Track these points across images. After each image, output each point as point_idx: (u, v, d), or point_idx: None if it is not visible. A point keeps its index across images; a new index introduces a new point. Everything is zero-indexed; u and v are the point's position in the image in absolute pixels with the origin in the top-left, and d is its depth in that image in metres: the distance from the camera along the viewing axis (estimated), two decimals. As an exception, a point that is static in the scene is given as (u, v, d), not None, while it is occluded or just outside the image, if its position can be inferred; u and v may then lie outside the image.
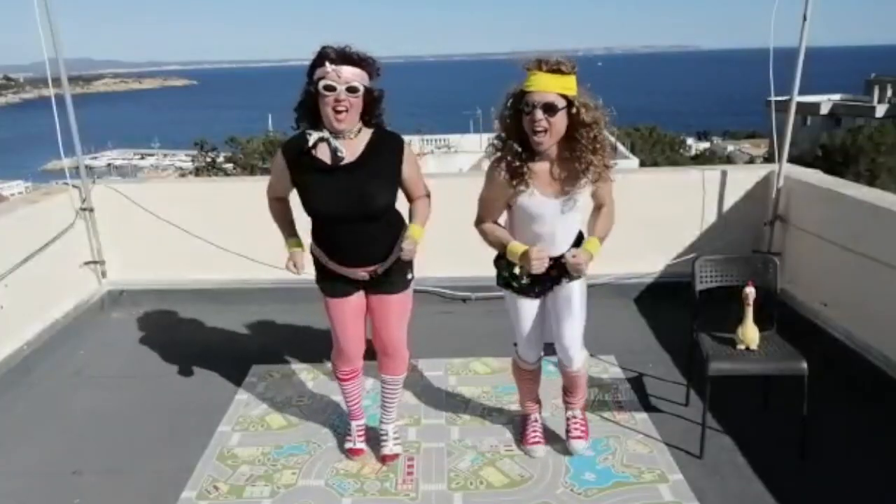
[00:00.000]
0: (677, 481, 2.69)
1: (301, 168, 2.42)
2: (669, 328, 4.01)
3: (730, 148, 51.05)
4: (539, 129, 2.20)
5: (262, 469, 2.85)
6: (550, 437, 3.00)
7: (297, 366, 3.72)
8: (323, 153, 2.39)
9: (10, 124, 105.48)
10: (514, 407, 3.22)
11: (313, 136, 2.35)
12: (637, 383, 3.48)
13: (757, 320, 2.83)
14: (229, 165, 28.39)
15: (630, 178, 5.08)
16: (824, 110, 42.99)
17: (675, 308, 3.71)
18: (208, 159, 29.51)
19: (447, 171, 14.86)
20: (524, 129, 2.24)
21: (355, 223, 2.43)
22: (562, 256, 2.42)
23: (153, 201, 4.60)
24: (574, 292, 2.58)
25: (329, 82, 2.24)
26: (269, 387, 3.53)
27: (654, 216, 4.48)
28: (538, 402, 2.99)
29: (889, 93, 41.77)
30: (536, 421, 2.97)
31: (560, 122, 2.21)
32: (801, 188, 4.14)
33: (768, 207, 4.34)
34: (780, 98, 4.19)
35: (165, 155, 66.33)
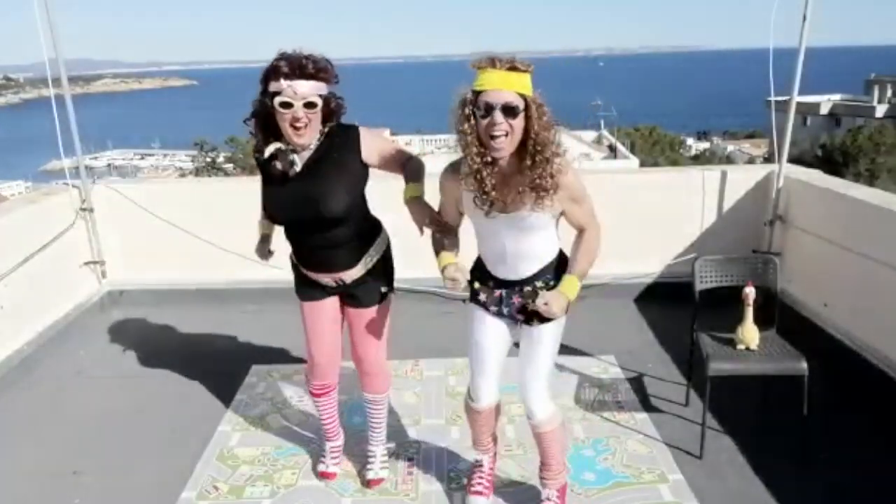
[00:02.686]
0: (677, 481, 2.69)
1: (263, 174, 2.33)
2: (669, 328, 4.01)
3: (730, 148, 51.03)
4: (499, 133, 1.91)
5: (262, 469, 2.85)
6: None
7: (297, 366, 3.72)
8: (280, 162, 2.26)
9: (11, 124, 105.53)
10: (515, 407, 3.22)
11: (269, 148, 2.23)
12: (637, 383, 3.48)
13: (757, 320, 2.83)
14: (229, 165, 28.41)
15: (630, 178, 5.10)
16: (824, 110, 42.99)
17: (675, 308, 3.70)
18: (208, 159, 29.53)
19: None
20: (479, 134, 1.95)
21: (314, 229, 2.31)
22: (526, 287, 2.20)
23: (153, 201, 4.60)
24: (542, 333, 2.27)
25: (285, 99, 2.11)
26: (269, 387, 3.53)
27: (655, 216, 4.49)
28: (493, 443, 2.64)
29: (889, 93, 41.76)
30: (482, 467, 2.63)
31: (520, 125, 1.93)
32: (801, 188, 4.14)
33: (768, 207, 4.34)
34: (780, 98, 4.19)
35: (165, 155, 66.33)
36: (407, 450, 2.95)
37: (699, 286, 3.02)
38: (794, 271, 4.11)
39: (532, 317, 2.23)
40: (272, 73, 2.12)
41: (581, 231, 2.23)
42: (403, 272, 4.46)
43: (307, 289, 2.51)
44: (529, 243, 2.16)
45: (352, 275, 2.42)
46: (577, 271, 2.18)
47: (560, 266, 2.23)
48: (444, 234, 2.26)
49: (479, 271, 2.30)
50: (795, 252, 4.16)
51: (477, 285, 2.30)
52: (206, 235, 4.55)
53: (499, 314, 2.30)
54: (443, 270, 2.17)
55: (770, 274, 3.00)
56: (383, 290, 2.51)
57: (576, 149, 31.48)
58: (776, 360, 2.78)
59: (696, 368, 3.16)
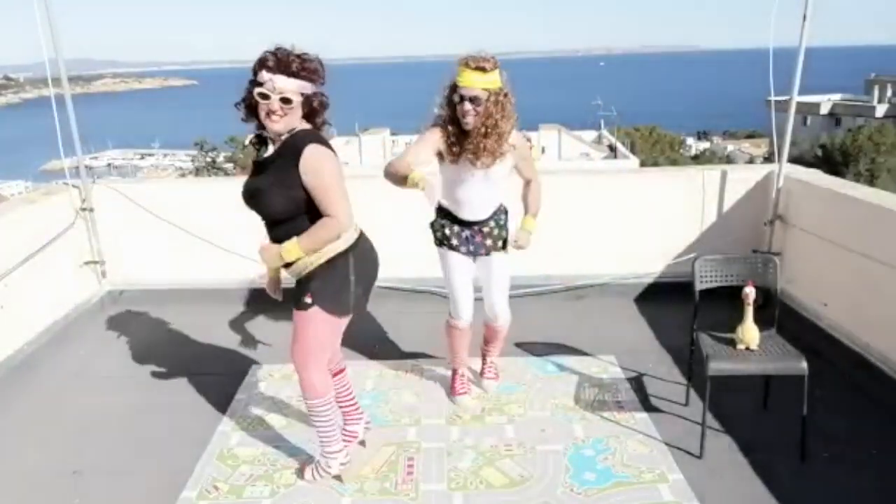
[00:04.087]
0: (677, 481, 2.69)
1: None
2: (669, 328, 4.01)
3: (730, 148, 51.05)
4: (466, 114, 2.74)
5: (262, 469, 2.85)
6: (552, 436, 3.00)
7: (297, 366, 3.72)
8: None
9: (10, 124, 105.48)
10: (515, 407, 3.23)
11: (249, 136, 2.47)
12: (637, 383, 3.48)
13: (757, 320, 2.83)
14: (229, 165, 28.43)
15: (630, 178, 5.09)
16: (824, 110, 43.02)
17: (675, 308, 3.71)
18: (208, 159, 29.55)
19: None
20: (456, 112, 2.76)
21: (266, 223, 2.49)
22: (484, 228, 2.99)
23: (153, 201, 4.60)
24: (500, 259, 3.08)
25: (263, 91, 2.27)
26: (269, 387, 3.53)
27: (654, 216, 4.49)
28: (466, 357, 3.33)
29: (889, 93, 41.79)
30: (463, 375, 3.36)
31: (483, 109, 2.72)
32: (801, 188, 4.14)
33: (768, 207, 4.34)
34: (780, 98, 4.19)
35: (165, 155, 66.34)
36: (407, 450, 2.95)
37: (699, 286, 3.02)
38: (794, 271, 4.11)
39: (491, 250, 3.04)
40: (259, 64, 2.29)
41: (528, 182, 3.09)
42: (403, 272, 4.50)
43: None
44: (489, 190, 2.94)
45: (290, 274, 2.50)
46: (532, 211, 3.10)
47: (502, 211, 3.06)
48: (399, 163, 2.76)
49: (445, 217, 3.02)
50: (795, 252, 4.16)
51: (447, 231, 3.01)
52: (206, 235, 4.55)
53: (467, 252, 3.03)
54: (412, 176, 2.55)
55: (770, 274, 3.00)
56: (306, 300, 2.46)
57: (576, 149, 31.49)
58: (776, 360, 2.78)
59: (696, 368, 3.16)
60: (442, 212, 3.05)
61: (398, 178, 2.63)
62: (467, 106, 2.72)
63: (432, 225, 3.07)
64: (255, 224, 2.57)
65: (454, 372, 3.36)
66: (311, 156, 2.32)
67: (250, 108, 2.37)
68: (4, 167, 53.92)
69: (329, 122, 2.48)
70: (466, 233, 3.01)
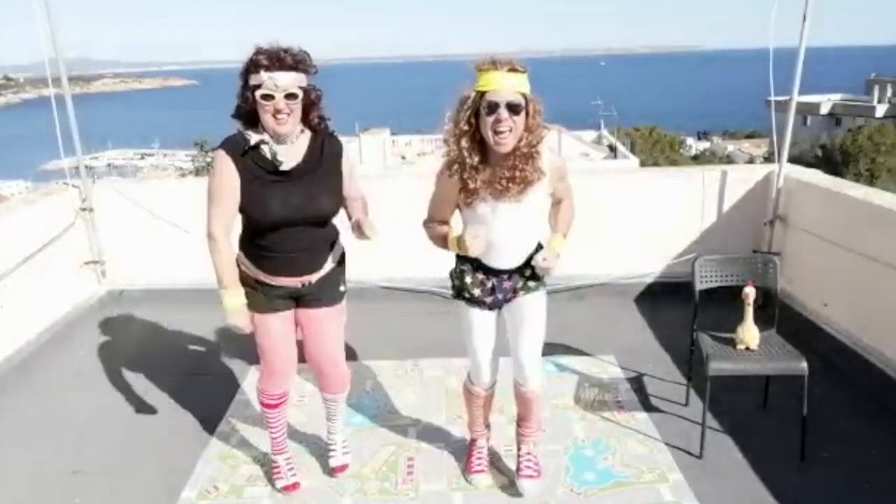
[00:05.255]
0: (677, 481, 2.69)
1: (247, 172, 2.27)
2: (669, 328, 4.01)
3: (730, 148, 51.08)
4: (503, 129, 2.09)
5: (262, 469, 2.85)
6: (552, 436, 2.99)
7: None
8: (264, 157, 2.27)
9: (10, 124, 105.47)
10: (515, 407, 3.22)
11: (254, 138, 2.24)
12: (637, 383, 3.48)
13: (757, 320, 2.83)
14: (229, 165, 28.42)
15: (630, 178, 5.10)
16: (824, 110, 43.01)
17: (675, 308, 3.71)
18: (208, 159, 29.54)
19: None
20: (481, 131, 2.14)
21: (302, 230, 2.33)
22: (523, 268, 2.38)
23: (153, 201, 4.60)
24: (533, 303, 2.44)
25: (266, 91, 2.15)
26: (269, 387, 3.52)
27: (655, 216, 4.49)
28: (487, 426, 2.81)
29: (889, 93, 41.79)
30: (483, 448, 2.78)
31: (522, 121, 2.12)
32: (801, 188, 4.14)
33: (768, 207, 4.34)
34: (780, 98, 4.19)
35: (165, 155, 66.30)
36: (407, 450, 2.95)
37: (699, 286, 3.02)
38: (794, 271, 4.11)
39: (517, 287, 2.41)
40: (252, 66, 2.16)
41: (559, 202, 2.45)
42: (403, 272, 4.50)
43: (268, 299, 2.43)
44: (525, 228, 2.33)
45: (320, 274, 2.45)
46: (560, 229, 2.46)
47: (537, 251, 2.40)
48: (435, 226, 2.42)
49: (466, 261, 2.40)
50: (795, 252, 4.16)
51: (469, 280, 2.40)
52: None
53: (493, 304, 2.43)
54: (458, 239, 2.24)
55: (770, 274, 3.00)
56: (342, 288, 2.55)
57: (576, 149, 31.50)
58: (776, 360, 2.78)
59: (696, 368, 3.16)
60: (463, 257, 2.41)
61: (440, 243, 2.38)
62: (504, 114, 2.08)
63: (451, 273, 2.48)
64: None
65: (471, 442, 2.81)
66: (348, 152, 2.42)
67: (249, 117, 2.25)
68: (4, 167, 53.91)
69: (326, 116, 2.35)
70: (493, 281, 2.39)
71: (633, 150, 32.74)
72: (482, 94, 2.10)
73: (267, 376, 2.62)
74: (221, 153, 2.28)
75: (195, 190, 5.15)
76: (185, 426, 3.18)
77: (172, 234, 4.56)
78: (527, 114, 2.12)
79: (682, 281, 3.59)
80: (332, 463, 2.79)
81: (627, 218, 4.52)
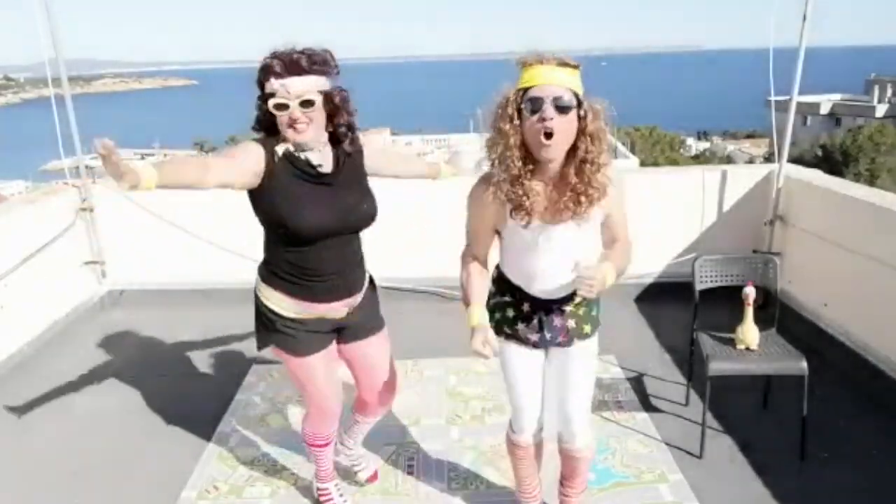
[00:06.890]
0: (677, 481, 2.69)
1: (283, 172, 2.02)
2: (669, 328, 4.01)
3: (730, 148, 51.05)
4: (549, 130, 1.70)
5: (262, 469, 2.85)
6: (552, 436, 2.99)
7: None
8: (299, 158, 2.05)
9: (11, 124, 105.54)
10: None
11: (280, 148, 2.02)
12: (637, 383, 3.48)
13: (757, 320, 2.83)
14: (229, 165, 28.45)
15: (630, 179, 5.09)
16: (824, 110, 43.03)
17: (675, 308, 3.71)
18: (208, 159, 29.59)
19: (447, 171, 14.80)
20: (525, 137, 1.77)
21: (340, 242, 2.11)
22: (569, 300, 2.05)
23: (153, 201, 4.59)
24: (585, 349, 2.14)
25: (279, 100, 1.93)
26: (269, 387, 3.53)
27: (655, 216, 4.49)
28: (538, 486, 2.41)
29: (889, 93, 41.80)
30: None
31: (572, 124, 1.75)
32: (801, 188, 4.14)
33: (768, 207, 4.34)
34: (780, 98, 4.19)
35: (165, 155, 66.30)
36: (407, 450, 2.95)
37: (699, 286, 3.02)
38: (794, 271, 4.11)
39: (574, 337, 2.10)
40: (265, 73, 1.95)
41: (612, 241, 2.04)
42: (403, 272, 4.50)
43: (311, 336, 2.18)
44: (578, 251, 1.92)
45: (362, 293, 2.26)
46: (616, 264, 1.94)
47: None
48: (469, 277, 2.03)
49: (508, 291, 2.08)
50: (795, 252, 4.16)
51: (511, 313, 2.08)
52: (206, 235, 4.55)
53: (539, 342, 2.09)
54: (472, 332, 1.91)
55: (770, 274, 3.00)
56: (381, 316, 2.40)
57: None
58: (776, 360, 2.78)
59: (696, 368, 3.16)
60: (503, 283, 2.10)
61: (464, 298, 2.01)
62: (549, 112, 1.70)
63: (486, 304, 2.06)
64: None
65: None
66: (362, 135, 2.22)
67: (269, 128, 2.04)
68: (4, 167, 53.91)
69: (354, 123, 2.12)
70: (540, 315, 2.06)
71: (632, 150, 32.72)
72: (525, 90, 1.75)
73: (319, 421, 2.37)
74: (254, 142, 2.04)
75: (195, 190, 5.17)
76: (184, 426, 3.18)
77: (172, 234, 4.56)
78: (580, 117, 1.76)
79: (682, 281, 3.59)
80: (365, 475, 2.71)
81: (627, 218, 4.51)
